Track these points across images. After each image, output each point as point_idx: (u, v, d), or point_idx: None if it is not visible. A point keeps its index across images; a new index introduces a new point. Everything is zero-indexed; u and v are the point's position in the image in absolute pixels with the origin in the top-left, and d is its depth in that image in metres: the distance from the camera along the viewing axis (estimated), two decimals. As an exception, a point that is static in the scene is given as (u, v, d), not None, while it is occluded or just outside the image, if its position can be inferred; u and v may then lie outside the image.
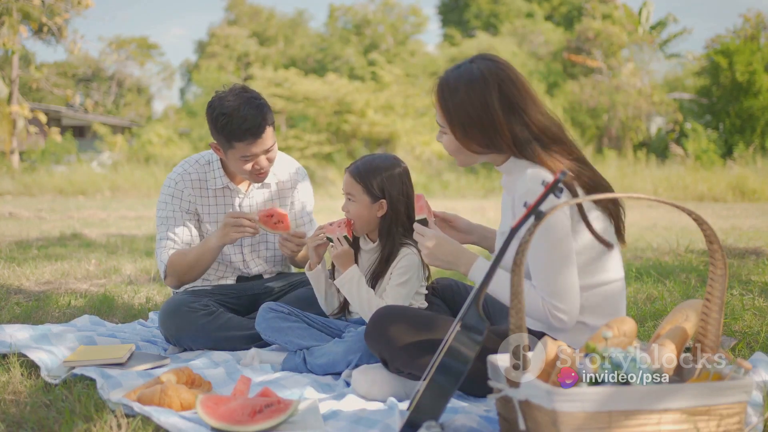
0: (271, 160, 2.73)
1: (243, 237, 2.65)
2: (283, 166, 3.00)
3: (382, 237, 2.51)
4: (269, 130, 2.65)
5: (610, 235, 2.03)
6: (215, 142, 2.72)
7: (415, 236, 2.18)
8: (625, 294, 2.14)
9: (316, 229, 2.54)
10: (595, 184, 2.02)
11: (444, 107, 2.09)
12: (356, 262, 2.57)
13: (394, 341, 2.11)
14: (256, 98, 2.65)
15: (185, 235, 2.81)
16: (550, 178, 1.95)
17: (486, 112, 2.02)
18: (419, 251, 2.47)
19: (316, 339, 2.51)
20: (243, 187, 2.91)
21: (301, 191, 3.03)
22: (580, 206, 1.96)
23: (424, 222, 2.20)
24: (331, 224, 2.53)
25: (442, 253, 2.12)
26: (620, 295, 2.10)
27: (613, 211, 2.04)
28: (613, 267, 2.06)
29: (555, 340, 1.78)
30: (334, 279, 2.56)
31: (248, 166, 2.69)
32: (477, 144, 2.07)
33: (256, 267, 2.98)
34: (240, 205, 2.91)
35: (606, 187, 2.03)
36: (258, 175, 2.74)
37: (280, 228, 2.68)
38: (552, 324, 1.96)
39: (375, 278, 2.50)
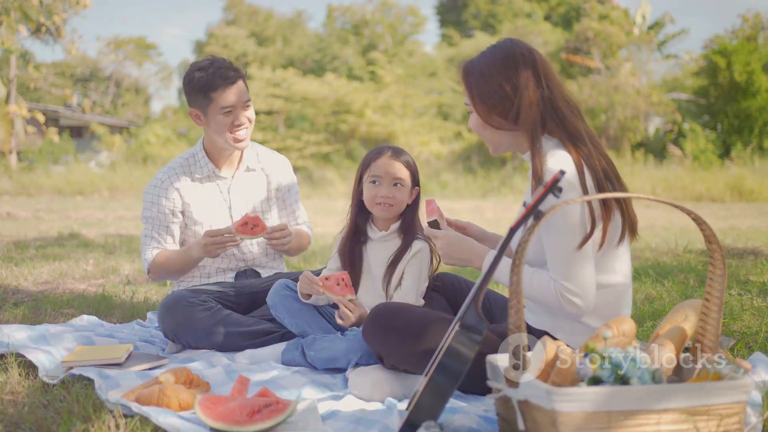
0: (250, 120, 2.92)
1: (226, 251, 2.79)
2: (267, 156, 3.14)
3: (406, 226, 2.53)
4: (242, 82, 2.88)
5: (615, 232, 2.00)
6: (195, 109, 2.90)
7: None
8: (631, 297, 2.11)
9: (318, 280, 2.42)
10: (607, 175, 1.99)
11: (466, 81, 2.09)
12: (363, 252, 2.56)
13: (389, 339, 2.14)
14: (226, 59, 2.93)
15: (168, 235, 2.95)
16: (570, 165, 1.93)
17: (504, 75, 2.01)
18: (430, 243, 2.51)
19: (323, 329, 2.51)
20: (228, 173, 3.03)
21: (287, 177, 3.16)
22: (589, 202, 1.93)
23: (435, 224, 2.21)
24: (327, 279, 2.40)
25: (456, 252, 2.13)
26: (624, 298, 2.07)
27: (622, 206, 1.99)
28: (620, 268, 2.04)
29: (555, 339, 1.78)
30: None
31: (228, 120, 2.85)
32: (498, 115, 2.04)
33: (248, 248, 3.01)
34: (228, 191, 3.01)
35: (618, 179, 2.02)
36: (238, 137, 2.89)
37: (258, 231, 2.75)
38: (566, 309, 1.94)
39: (392, 265, 2.51)
